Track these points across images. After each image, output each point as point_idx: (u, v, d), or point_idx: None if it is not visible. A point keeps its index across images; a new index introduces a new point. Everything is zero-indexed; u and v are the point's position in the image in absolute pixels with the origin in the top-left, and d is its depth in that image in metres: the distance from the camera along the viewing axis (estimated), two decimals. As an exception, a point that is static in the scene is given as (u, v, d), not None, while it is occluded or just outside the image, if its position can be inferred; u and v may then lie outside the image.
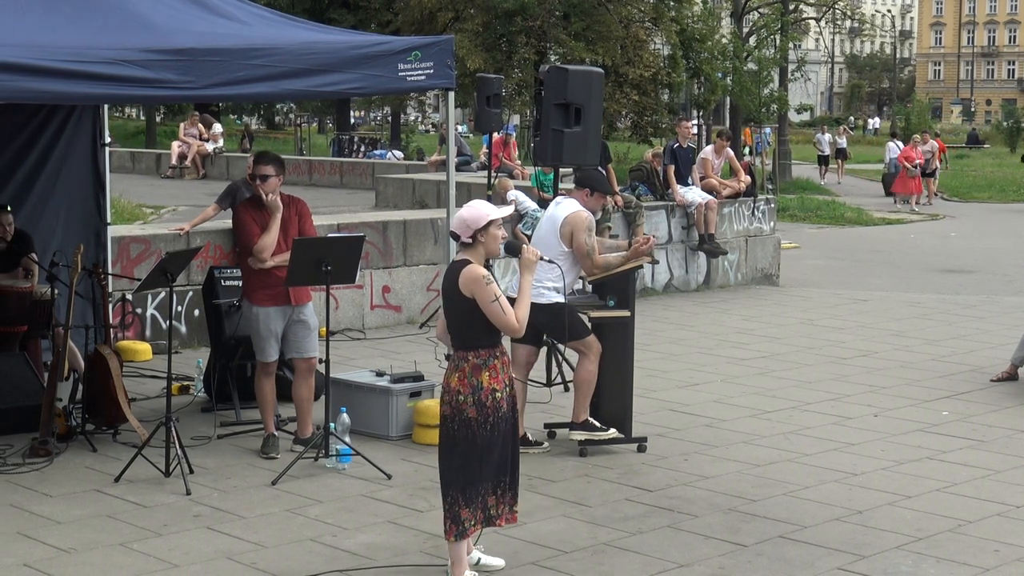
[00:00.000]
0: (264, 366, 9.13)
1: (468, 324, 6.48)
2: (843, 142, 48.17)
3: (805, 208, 32.07)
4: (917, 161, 34.52)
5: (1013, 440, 9.91)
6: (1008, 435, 10.05)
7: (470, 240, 6.51)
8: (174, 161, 34.64)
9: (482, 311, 6.40)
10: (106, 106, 11.91)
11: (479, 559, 6.85)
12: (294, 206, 9.17)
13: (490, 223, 6.48)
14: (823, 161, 45.37)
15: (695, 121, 46.76)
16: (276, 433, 9.18)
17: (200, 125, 34.92)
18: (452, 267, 6.57)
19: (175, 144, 35.66)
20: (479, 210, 6.51)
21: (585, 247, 9.01)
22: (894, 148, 41.57)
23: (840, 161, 46.52)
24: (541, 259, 6.75)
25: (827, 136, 47.16)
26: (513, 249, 6.73)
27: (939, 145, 43.81)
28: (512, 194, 15.19)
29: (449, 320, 6.62)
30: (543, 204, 14.92)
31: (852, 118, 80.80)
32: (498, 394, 6.49)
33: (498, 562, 6.89)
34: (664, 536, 7.36)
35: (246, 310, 9.11)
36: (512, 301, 6.56)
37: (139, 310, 12.41)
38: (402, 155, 42.27)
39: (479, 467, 6.51)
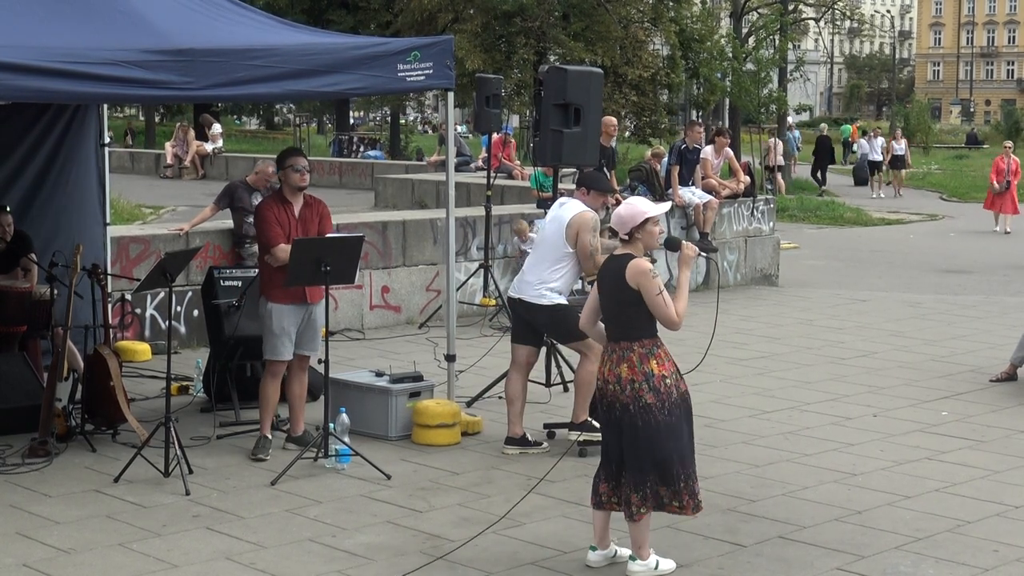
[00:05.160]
0: (273, 365, 9.09)
1: (631, 316, 6.81)
2: (900, 148, 39.57)
3: (804, 208, 32.08)
4: (1008, 178, 28.16)
5: (1012, 440, 9.91)
6: (1007, 435, 10.05)
7: (627, 237, 6.86)
8: (169, 161, 34.70)
9: (645, 303, 6.75)
10: (105, 106, 11.93)
11: (616, 551, 7.02)
12: (316, 207, 9.20)
13: (647, 220, 6.82)
14: (873, 169, 39.27)
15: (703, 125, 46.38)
16: (270, 436, 9.15)
17: (192, 132, 35.09)
18: (615, 261, 6.90)
19: (168, 145, 35.77)
20: (636, 207, 6.87)
21: (589, 247, 9.02)
22: (865, 145, 42.97)
23: (896, 171, 39.37)
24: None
25: (879, 140, 40.30)
26: (672, 244, 7.04)
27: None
28: (533, 232, 14.80)
29: (609, 312, 6.93)
30: (542, 204, 14.89)
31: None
32: (668, 380, 6.81)
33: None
34: (663, 536, 7.36)
35: (261, 306, 9.07)
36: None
37: (138, 310, 12.41)
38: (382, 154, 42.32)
39: (669, 447, 6.76)
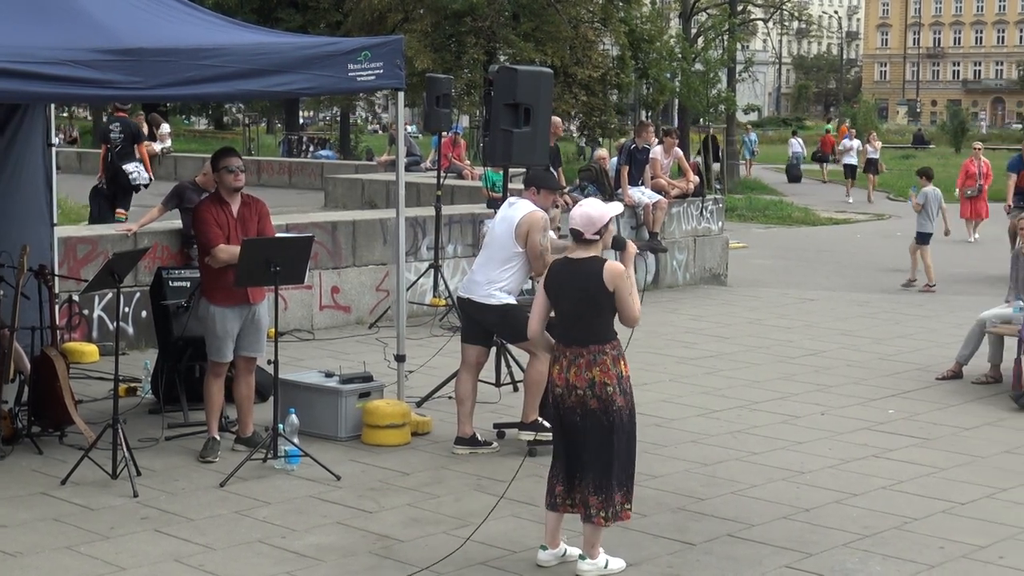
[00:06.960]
0: (216, 367, 9.07)
1: (604, 318, 6.88)
2: (874, 152, 37.90)
3: (753, 208, 32.26)
4: (980, 183, 25.35)
5: (958, 438, 10.00)
6: (953, 433, 10.15)
7: (596, 236, 6.90)
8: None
9: (616, 304, 6.84)
10: (52, 106, 11.82)
11: (566, 551, 7.05)
12: (255, 206, 9.16)
13: (610, 220, 6.94)
14: (849, 173, 38.16)
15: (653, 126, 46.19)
16: (218, 437, 9.12)
17: (146, 126, 34.73)
18: (579, 264, 6.89)
19: None
20: (602, 209, 6.97)
21: (539, 247, 9.03)
22: (796, 144, 44.86)
23: (871, 176, 37.67)
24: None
25: (856, 143, 39.25)
26: (619, 243, 7.17)
27: (830, 140, 44.95)
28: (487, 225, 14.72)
29: (575, 315, 6.91)
30: (492, 204, 14.90)
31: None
32: (631, 381, 6.97)
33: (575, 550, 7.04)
34: (613, 535, 7.38)
35: (202, 309, 9.05)
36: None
37: (86, 311, 12.32)
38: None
39: (632, 448, 6.98)
